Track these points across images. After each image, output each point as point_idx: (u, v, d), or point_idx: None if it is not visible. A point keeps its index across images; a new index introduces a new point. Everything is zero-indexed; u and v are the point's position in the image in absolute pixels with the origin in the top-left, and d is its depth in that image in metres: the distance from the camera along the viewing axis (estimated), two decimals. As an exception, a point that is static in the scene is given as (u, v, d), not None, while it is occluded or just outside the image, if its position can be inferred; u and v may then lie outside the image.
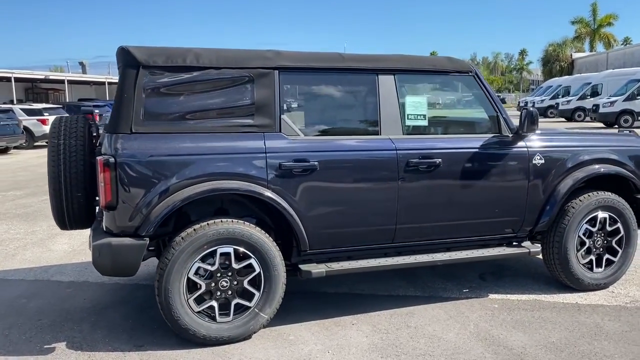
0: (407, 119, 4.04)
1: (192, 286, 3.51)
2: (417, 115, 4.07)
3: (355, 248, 3.97)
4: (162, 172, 3.43)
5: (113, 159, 3.34)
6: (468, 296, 4.43)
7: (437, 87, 4.92)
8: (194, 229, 3.48)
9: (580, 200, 4.40)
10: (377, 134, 3.94)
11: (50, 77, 44.64)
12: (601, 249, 4.53)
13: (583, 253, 4.47)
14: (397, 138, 3.94)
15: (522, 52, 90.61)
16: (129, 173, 3.37)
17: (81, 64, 65.73)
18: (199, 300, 3.54)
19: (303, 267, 3.81)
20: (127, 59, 3.48)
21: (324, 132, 3.97)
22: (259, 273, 3.61)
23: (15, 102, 30.78)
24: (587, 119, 28.23)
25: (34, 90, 49.22)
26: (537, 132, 4.40)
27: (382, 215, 3.91)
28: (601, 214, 4.46)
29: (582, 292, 4.46)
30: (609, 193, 4.49)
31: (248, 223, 3.60)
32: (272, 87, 3.70)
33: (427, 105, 4.14)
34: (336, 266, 3.86)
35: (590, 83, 31.18)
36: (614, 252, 4.57)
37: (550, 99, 35.33)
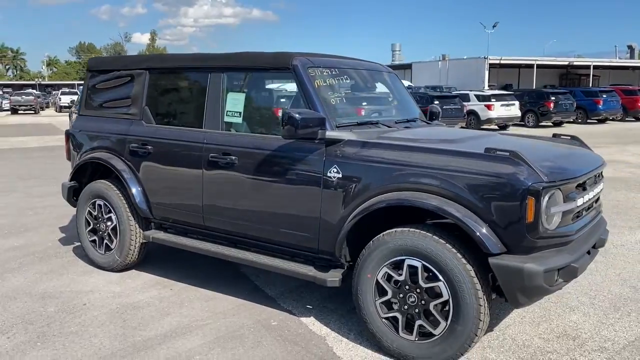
0: (226, 115, 4.17)
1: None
2: (234, 112, 4.13)
3: (188, 226, 4.49)
4: (83, 141, 5.10)
5: (70, 131, 5.26)
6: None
7: (267, 84, 4.37)
8: None
9: (383, 236, 3.34)
10: (201, 128, 4.29)
11: (575, 63, 45.25)
12: (415, 310, 3.26)
13: (385, 304, 3.36)
14: (210, 132, 4.20)
15: None
16: (71, 141, 5.22)
17: (629, 47, 62.03)
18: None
19: (146, 231, 4.71)
20: (87, 65, 5.27)
21: (167, 123, 4.63)
22: (115, 225, 4.80)
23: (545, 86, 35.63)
24: None
25: (567, 76, 51.15)
26: (370, 139, 3.58)
27: (194, 202, 4.32)
28: (410, 261, 3.22)
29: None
30: (425, 233, 3.18)
31: (108, 183, 4.83)
32: (142, 84, 4.73)
33: (250, 102, 4.10)
34: (161, 236, 4.59)
35: None
36: (435, 322, 3.20)
37: None
